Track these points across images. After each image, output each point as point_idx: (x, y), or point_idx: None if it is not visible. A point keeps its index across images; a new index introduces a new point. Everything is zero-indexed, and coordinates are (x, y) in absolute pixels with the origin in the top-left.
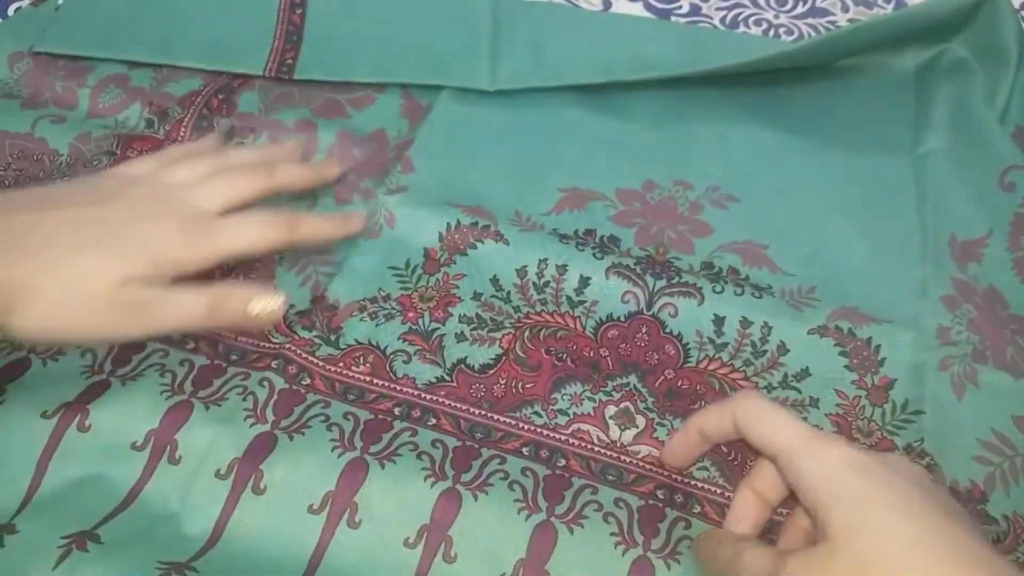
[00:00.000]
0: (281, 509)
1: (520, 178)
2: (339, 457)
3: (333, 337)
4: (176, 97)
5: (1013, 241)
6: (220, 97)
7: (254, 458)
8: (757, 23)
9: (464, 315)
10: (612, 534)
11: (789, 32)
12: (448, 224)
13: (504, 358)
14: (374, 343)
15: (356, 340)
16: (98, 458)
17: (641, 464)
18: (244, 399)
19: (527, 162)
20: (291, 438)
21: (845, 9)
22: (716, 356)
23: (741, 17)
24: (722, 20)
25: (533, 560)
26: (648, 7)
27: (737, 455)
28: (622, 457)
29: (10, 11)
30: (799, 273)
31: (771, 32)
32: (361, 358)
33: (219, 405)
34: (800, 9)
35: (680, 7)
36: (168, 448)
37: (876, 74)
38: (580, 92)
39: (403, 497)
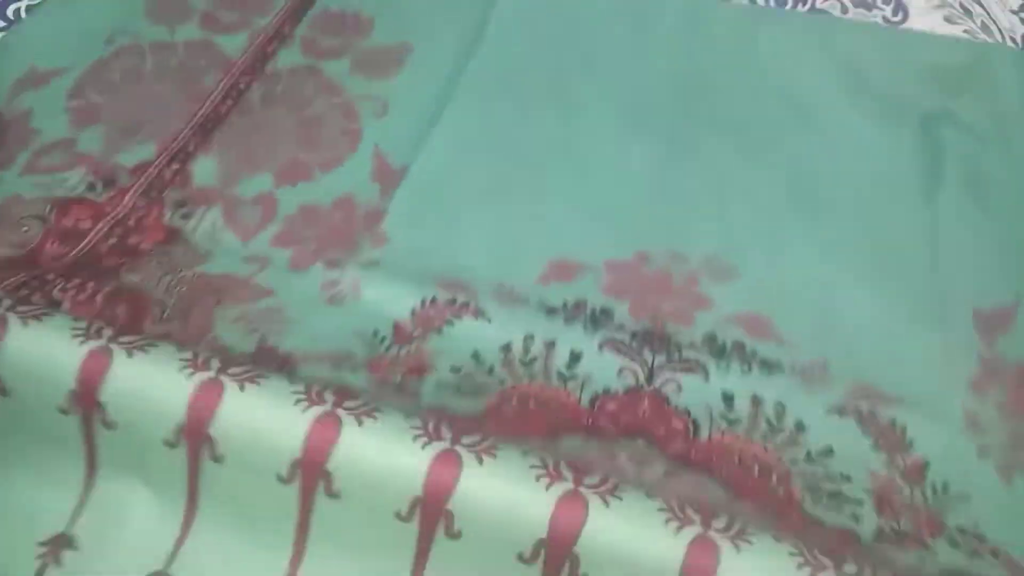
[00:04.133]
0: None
1: (504, 246)
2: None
3: None
4: (127, 167)
5: None
6: (175, 168)
7: (200, 418)
8: None
9: (442, 381)
10: (660, 509)
11: None
12: (423, 300)
13: (492, 412)
14: None
15: None
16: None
17: None
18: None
19: (512, 229)
20: (242, 387)
21: (844, 11)
22: (729, 431)
23: None
24: None
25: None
26: None
27: None
28: None
29: (9, 11)
30: (808, 346)
31: None
32: None
33: (145, 351)
34: (800, 10)
35: None
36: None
37: (881, 121)
38: (569, 150)
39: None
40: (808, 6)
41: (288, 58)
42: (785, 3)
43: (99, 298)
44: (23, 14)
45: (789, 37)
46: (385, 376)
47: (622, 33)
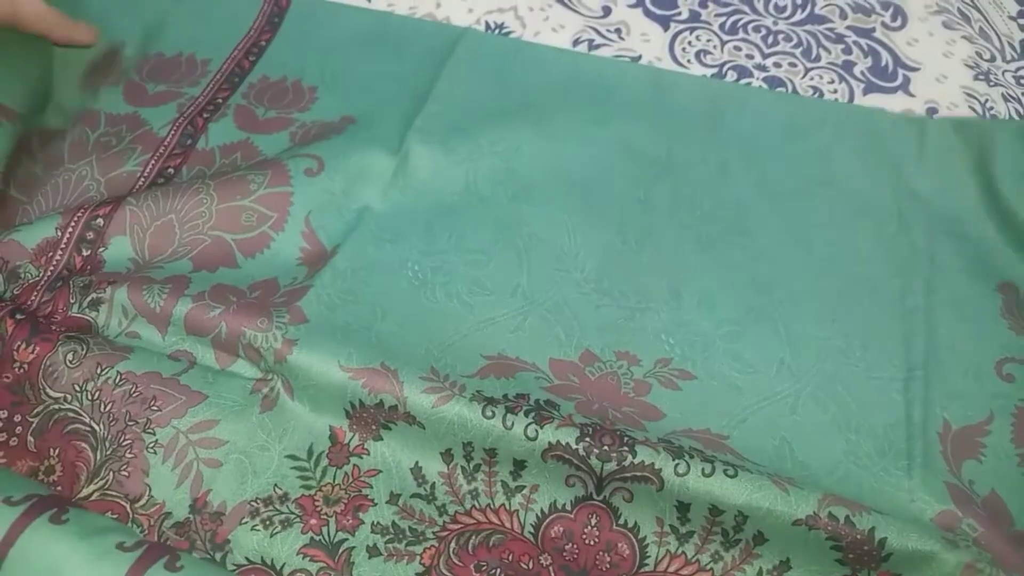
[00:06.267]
0: None
1: (436, 341)
2: None
3: (218, 556)
4: (28, 249)
5: (1019, 434)
6: (84, 254)
7: None
8: (756, 29)
9: (378, 523)
10: None
11: (788, 39)
12: (352, 403)
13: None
14: (268, 561)
15: (247, 558)
16: None
17: None
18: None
19: (445, 324)
20: None
21: (843, 16)
22: (679, 551)
23: (740, 23)
24: (721, 27)
25: None
26: (648, 13)
27: None
28: None
29: None
30: (768, 468)
31: (770, 38)
32: None
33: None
34: (799, 16)
35: (679, 13)
36: None
37: (854, 217)
38: (512, 235)
39: None
40: (807, 12)
41: (220, 134)
42: (751, 73)
43: (30, 439)
44: None
45: (756, 117)
46: (318, 519)
47: (578, 104)
